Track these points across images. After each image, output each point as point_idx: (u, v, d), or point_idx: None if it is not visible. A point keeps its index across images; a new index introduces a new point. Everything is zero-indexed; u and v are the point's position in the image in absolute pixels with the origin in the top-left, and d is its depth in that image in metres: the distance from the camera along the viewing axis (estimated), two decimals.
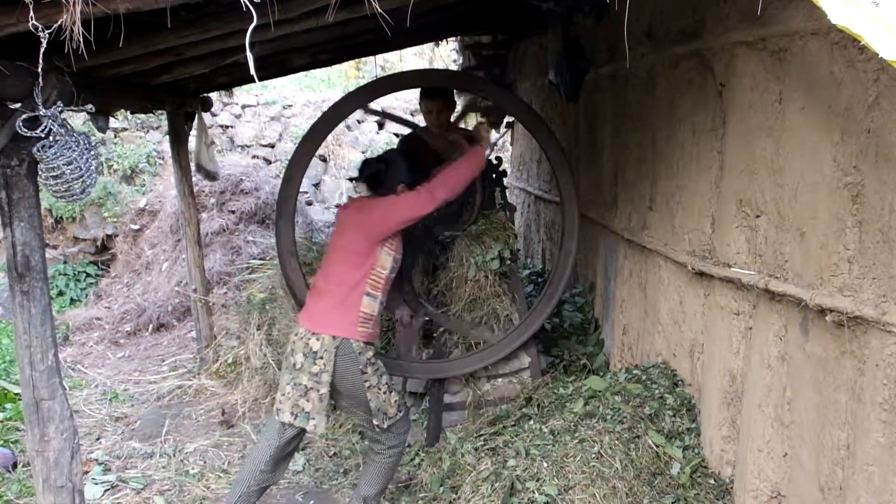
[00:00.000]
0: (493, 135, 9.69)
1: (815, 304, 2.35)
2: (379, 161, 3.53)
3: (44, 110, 2.22)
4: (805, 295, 2.41)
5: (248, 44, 1.69)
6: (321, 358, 3.20)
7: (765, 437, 2.80)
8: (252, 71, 1.69)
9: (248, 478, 3.33)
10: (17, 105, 2.28)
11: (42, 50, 1.76)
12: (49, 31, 1.71)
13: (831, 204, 2.34)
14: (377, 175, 3.48)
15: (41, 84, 2.04)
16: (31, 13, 1.66)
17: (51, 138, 2.25)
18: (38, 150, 2.25)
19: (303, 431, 3.34)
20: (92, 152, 2.36)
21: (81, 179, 2.34)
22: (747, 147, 2.89)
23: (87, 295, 8.35)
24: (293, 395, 3.24)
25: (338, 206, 3.78)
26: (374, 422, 3.30)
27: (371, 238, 3.31)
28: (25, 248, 2.32)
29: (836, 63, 2.27)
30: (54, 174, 2.28)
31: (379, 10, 1.89)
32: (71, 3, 1.65)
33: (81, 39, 1.71)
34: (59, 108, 2.26)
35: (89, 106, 2.36)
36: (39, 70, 1.85)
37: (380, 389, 3.30)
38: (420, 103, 4.78)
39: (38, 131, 2.23)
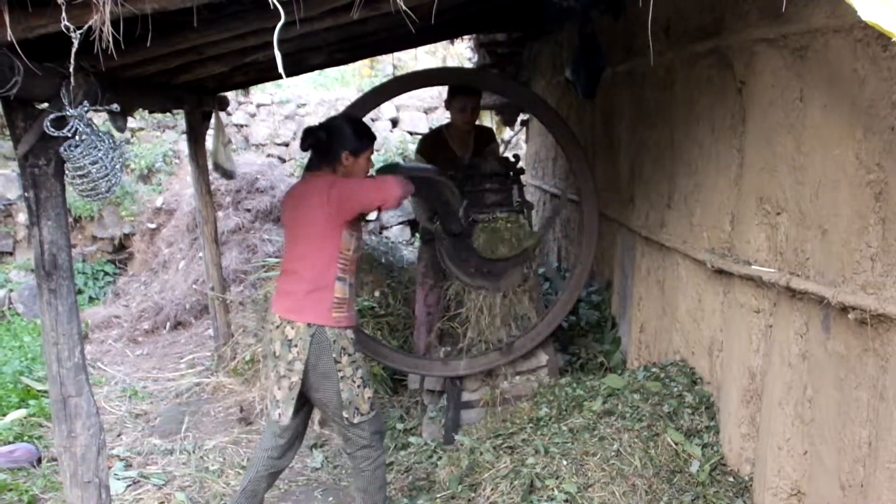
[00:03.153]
0: (508, 132, 9.71)
1: (838, 302, 2.35)
2: (320, 128, 3.30)
3: (71, 110, 2.24)
4: (827, 293, 2.41)
5: (276, 42, 1.70)
6: (296, 346, 3.12)
7: (785, 434, 2.80)
8: (280, 68, 1.71)
9: (258, 463, 3.36)
10: (45, 105, 2.30)
11: (73, 50, 1.78)
12: (80, 31, 1.73)
13: (853, 201, 2.34)
14: (320, 143, 3.26)
15: (74, 84, 2.06)
16: (64, 14, 1.69)
17: (77, 138, 2.27)
18: (65, 150, 2.27)
19: (307, 415, 3.35)
20: (117, 151, 2.39)
21: (107, 178, 2.36)
22: (767, 144, 2.88)
23: (105, 293, 8.42)
24: (278, 381, 3.20)
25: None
26: (344, 414, 3.18)
27: (335, 221, 3.15)
28: (52, 247, 2.35)
29: (860, 60, 2.26)
30: (81, 173, 2.30)
31: (403, 7, 1.90)
32: (101, 4, 1.68)
33: (111, 39, 1.73)
34: (86, 108, 2.29)
35: (115, 105, 2.38)
36: (71, 70, 1.87)
37: (353, 382, 3.18)
38: (452, 101, 4.82)
39: (64, 131, 2.25)
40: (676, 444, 3.37)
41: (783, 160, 2.77)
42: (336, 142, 3.25)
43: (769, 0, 2.73)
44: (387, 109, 10.94)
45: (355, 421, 3.21)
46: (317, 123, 3.39)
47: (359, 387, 3.21)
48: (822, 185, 2.52)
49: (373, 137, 3.41)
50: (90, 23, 1.73)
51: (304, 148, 3.32)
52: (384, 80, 10.20)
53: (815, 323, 2.59)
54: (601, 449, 3.38)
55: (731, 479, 3.22)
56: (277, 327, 3.19)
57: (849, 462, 2.40)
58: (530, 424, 3.81)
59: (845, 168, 2.36)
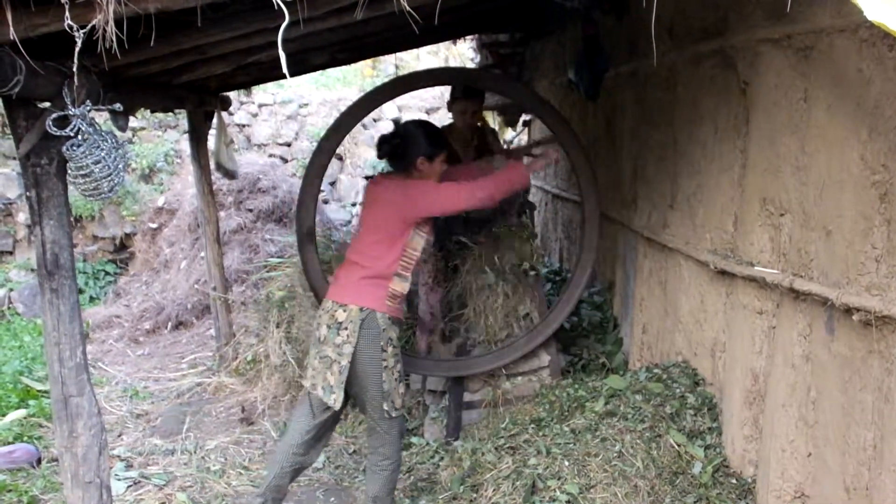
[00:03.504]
0: (510, 133, 9.69)
1: (842, 304, 2.34)
2: (395, 136, 3.41)
3: (73, 109, 2.24)
4: (831, 294, 2.40)
5: (279, 42, 1.69)
6: (345, 329, 3.15)
7: (788, 436, 2.79)
8: (284, 68, 1.70)
9: (282, 459, 3.36)
10: (47, 104, 2.30)
11: (77, 50, 1.78)
12: (84, 30, 1.73)
13: (858, 202, 2.33)
14: (396, 150, 3.38)
15: (76, 83, 2.05)
16: (67, 13, 1.68)
17: (80, 137, 2.27)
18: (68, 149, 2.27)
19: (338, 412, 3.34)
20: (120, 151, 2.39)
21: (109, 178, 2.36)
22: (771, 145, 2.88)
23: (106, 293, 8.42)
24: (320, 368, 3.21)
25: (367, 178, 3.72)
26: (384, 406, 3.22)
27: (405, 220, 3.26)
28: (55, 247, 2.35)
29: (865, 60, 2.25)
30: (83, 173, 2.30)
31: (407, 7, 1.90)
32: (104, 3, 1.67)
33: (114, 39, 1.73)
34: (88, 108, 2.28)
35: (117, 105, 2.38)
36: (74, 69, 1.87)
37: (393, 374, 3.23)
38: (454, 104, 4.83)
39: (67, 130, 2.25)
40: (679, 445, 3.37)
41: (787, 161, 2.76)
42: (411, 148, 3.35)
43: (773, 0, 2.72)
44: (389, 109, 10.94)
45: (393, 414, 3.26)
46: (390, 132, 3.49)
47: (396, 380, 3.26)
48: (826, 185, 2.51)
49: (446, 142, 3.50)
50: (93, 22, 1.73)
51: (380, 156, 3.44)
52: (386, 79, 10.20)
53: (819, 324, 2.58)
54: (603, 450, 3.37)
55: (734, 480, 3.21)
56: (327, 311, 3.23)
57: (853, 465, 2.40)
58: (532, 425, 3.80)
59: (850, 169, 2.35)
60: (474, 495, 3.48)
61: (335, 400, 3.19)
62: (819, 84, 2.54)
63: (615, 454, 3.34)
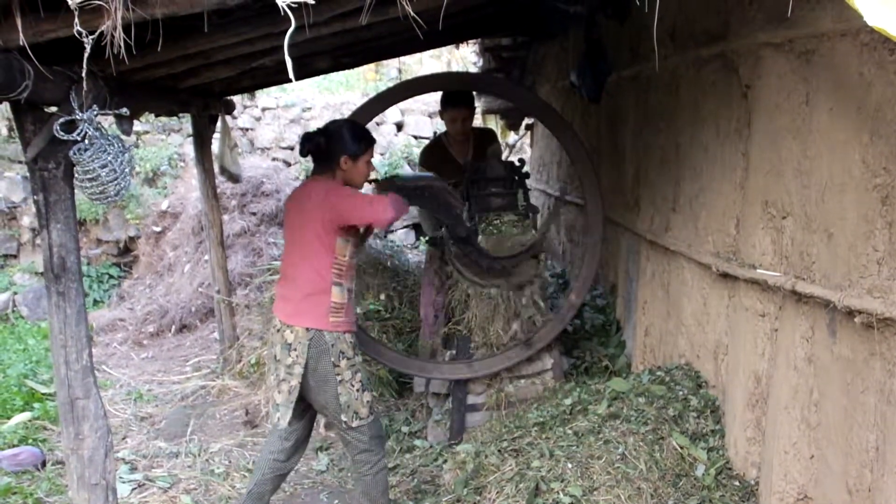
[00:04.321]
0: (512, 136, 9.71)
1: (844, 306, 2.35)
2: (319, 133, 3.30)
3: (80, 114, 2.26)
4: (833, 296, 2.41)
5: (286, 47, 1.71)
6: (295, 350, 3.15)
7: (791, 438, 2.79)
8: (290, 73, 1.72)
9: (263, 466, 3.39)
10: (54, 109, 2.32)
11: (86, 55, 1.80)
12: (93, 36, 1.74)
13: (860, 205, 2.34)
14: (319, 148, 3.27)
15: (85, 88, 2.07)
16: (76, 19, 1.70)
17: (87, 141, 2.29)
18: (75, 154, 2.29)
19: (312, 417, 3.39)
20: (126, 155, 2.41)
21: (116, 182, 2.38)
22: (773, 148, 2.89)
23: (110, 296, 8.45)
24: (278, 384, 3.23)
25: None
26: (343, 417, 3.21)
27: (329, 227, 3.18)
28: (61, 250, 2.36)
29: (866, 64, 2.27)
30: (90, 177, 2.32)
31: (411, 12, 1.92)
32: (113, 9, 1.69)
33: (122, 44, 1.74)
34: (95, 112, 2.30)
35: (124, 109, 2.40)
36: (83, 75, 1.89)
37: (352, 386, 3.21)
38: (444, 113, 4.85)
39: (74, 135, 2.27)
40: (682, 447, 3.37)
41: (789, 164, 2.77)
42: (334, 146, 3.26)
43: (775, 4, 2.74)
44: (391, 114, 10.96)
45: (353, 425, 3.24)
46: (315, 129, 3.40)
47: (357, 391, 3.23)
48: (828, 188, 2.52)
49: (371, 141, 3.39)
50: (102, 28, 1.74)
51: (303, 154, 3.33)
52: (389, 83, 10.21)
53: (822, 327, 2.59)
54: (606, 452, 3.38)
55: (737, 483, 3.22)
56: (278, 331, 3.23)
57: (856, 466, 2.40)
58: (535, 427, 3.81)
59: (852, 172, 2.36)
60: (478, 498, 3.48)
61: (279, 418, 3.23)
62: (821, 88, 2.55)
63: (618, 456, 3.35)
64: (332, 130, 3.31)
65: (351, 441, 3.31)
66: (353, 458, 3.37)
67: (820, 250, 2.58)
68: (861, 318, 2.28)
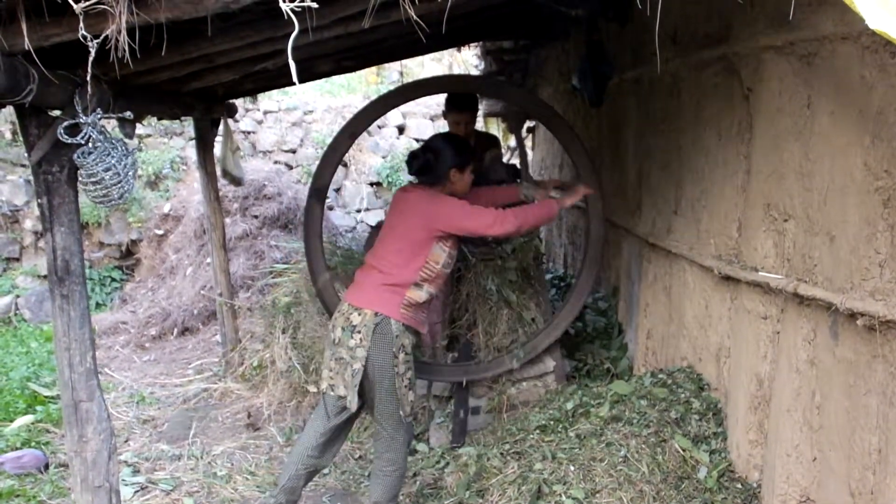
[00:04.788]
0: (513, 140, 9.71)
1: (846, 309, 2.35)
2: (425, 151, 3.48)
3: (84, 118, 2.27)
4: (835, 299, 2.41)
5: (289, 50, 1.72)
6: (359, 332, 3.19)
7: (793, 441, 2.80)
8: (294, 76, 1.73)
9: (297, 461, 3.41)
10: (58, 112, 2.33)
11: (91, 59, 1.80)
12: (97, 40, 1.75)
13: (862, 208, 2.34)
14: (427, 165, 3.45)
15: (90, 92, 2.08)
16: (81, 23, 1.71)
17: (90, 145, 2.30)
18: (79, 157, 2.29)
19: (353, 416, 3.39)
20: (129, 158, 2.41)
21: (119, 185, 2.38)
22: (775, 151, 2.89)
23: (112, 299, 8.46)
24: (338, 370, 3.25)
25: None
26: (396, 411, 3.27)
27: (429, 231, 3.30)
28: (65, 253, 2.37)
29: (867, 67, 2.27)
30: (94, 180, 2.33)
31: (414, 16, 1.92)
32: (117, 13, 1.70)
33: (127, 48, 1.75)
34: (99, 116, 2.31)
35: (128, 113, 2.41)
36: (88, 78, 1.89)
37: (403, 381, 3.26)
38: (448, 115, 4.87)
39: (78, 138, 2.28)
40: (684, 450, 3.38)
41: (791, 167, 2.78)
42: (442, 161, 3.43)
43: (777, 7, 2.75)
44: (393, 117, 10.97)
45: (396, 417, 3.28)
46: (419, 147, 3.57)
47: (406, 387, 3.29)
48: (830, 191, 2.52)
49: (473, 151, 3.59)
50: (107, 32, 1.75)
51: (412, 172, 3.50)
52: (390, 86, 10.21)
53: (824, 329, 2.59)
54: (609, 455, 3.39)
55: (740, 485, 3.22)
56: (343, 314, 3.27)
57: (858, 469, 2.40)
58: (537, 430, 3.81)
59: (853, 175, 2.37)
60: (480, 501, 3.49)
61: (350, 401, 3.24)
62: (822, 91, 2.56)
63: (620, 459, 3.35)
64: (437, 146, 3.48)
65: (386, 437, 3.33)
66: (381, 455, 3.38)
67: (822, 253, 2.58)
68: (863, 320, 2.28)
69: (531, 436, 3.77)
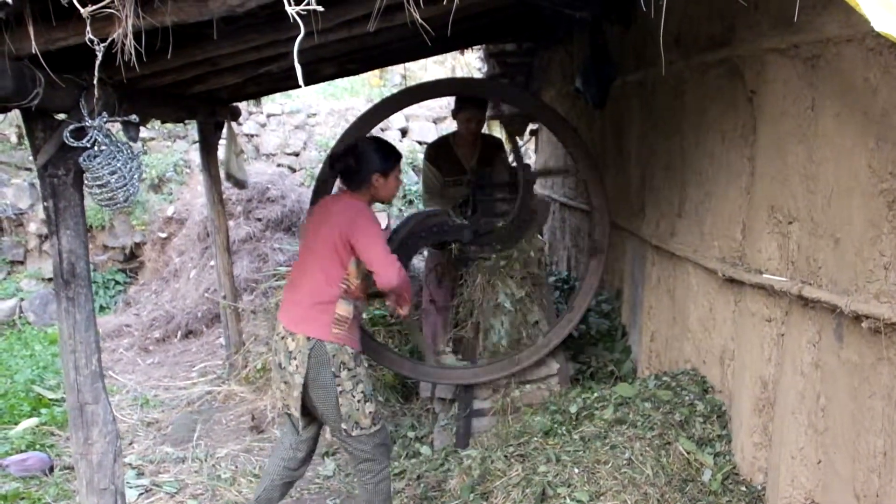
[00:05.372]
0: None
1: (851, 311, 2.35)
2: (348, 153, 3.34)
3: (90, 121, 2.28)
4: (840, 301, 2.41)
5: (295, 53, 1.72)
6: (295, 359, 3.15)
7: (798, 443, 2.79)
8: (300, 79, 1.73)
9: (273, 472, 3.41)
10: (63, 116, 2.34)
11: (97, 63, 1.81)
12: (104, 43, 1.76)
13: (867, 210, 2.34)
14: (349, 168, 3.32)
15: (96, 95, 2.09)
16: (88, 27, 1.72)
17: (96, 148, 2.31)
18: (85, 160, 2.30)
19: (320, 427, 3.40)
20: (135, 162, 2.42)
21: (125, 188, 2.39)
22: (779, 154, 2.89)
23: (116, 302, 8.48)
24: (286, 390, 3.23)
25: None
26: (343, 426, 3.20)
27: (346, 245, 3.19)
28: (71, 256, 2.38)
29: (872, 69, 2.27)
30: (100, 183, 2.33)
31: (419, 19, 1.93)
32: (124, 17, 1.71)
33: (133, 52, 1.76)
34: (104, 119, 2.32)
35: (133, 116, 2.42)
36: (95, 82, 1.90)
37: (353, 396, 3.19)
38: (458, 113, 4.92)
39: (84, 141, 2.29)
40: (688, 452, 3.37)
41: (795, 169, 2.77)
42: (365, 165, 3.30)
43: (781, 9, 2.75)
44: (396, 119, 10.99)
45: (353, 434, 3.23)
46: (341, 149, 3.44)
47: (359, 401, 3.21)
48: (834, 193, 2.52)
49: (399, 156, 3.45)
50: (113, 36, 1.76)
51: (333, 175, 3.41)
52: (393, 89, 10.21)
53: (828, 332, 2.59)
54: (613, 457, 3.38)
55: (744, 488, 3.21)
56: (282, 338, 3.23)
57: (864, 472, 2.40)
58: (541, 433, 3.81)
59: (858, 177, 2.37)
60: (484, 503, 3.49)
61: (300, 428, 3.30)
62: (826, 93, 2.56)
63: (625, 461, 3.35)
64: (361, 150, 3.35)
65: (353, 451, 3.31)
66: (356, 467, 3.37)
67: (826, 255, 2.58)
68: (868, 322, 2.28)
69: (535, 438, 3.77)
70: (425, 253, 5.36)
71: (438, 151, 5.15)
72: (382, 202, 3.50)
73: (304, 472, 3.52)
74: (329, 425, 3.29)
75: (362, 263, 3.23)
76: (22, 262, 8.61)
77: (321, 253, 3.24)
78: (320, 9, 1.65)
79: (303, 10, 1.66)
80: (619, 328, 5.18)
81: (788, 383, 2.86)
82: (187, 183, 9.34)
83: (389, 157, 3.38)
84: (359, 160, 3.30)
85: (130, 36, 1.74)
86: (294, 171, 10.52)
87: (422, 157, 5.83)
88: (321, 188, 4.09)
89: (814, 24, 2.56)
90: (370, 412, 3.25)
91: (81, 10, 1.67)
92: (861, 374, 2.40)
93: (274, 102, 10.77)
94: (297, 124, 10.85)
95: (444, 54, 10.58)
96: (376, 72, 12.47)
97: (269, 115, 10.76)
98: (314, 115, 10.96)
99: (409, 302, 3.45)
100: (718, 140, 3.45)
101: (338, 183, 3.65)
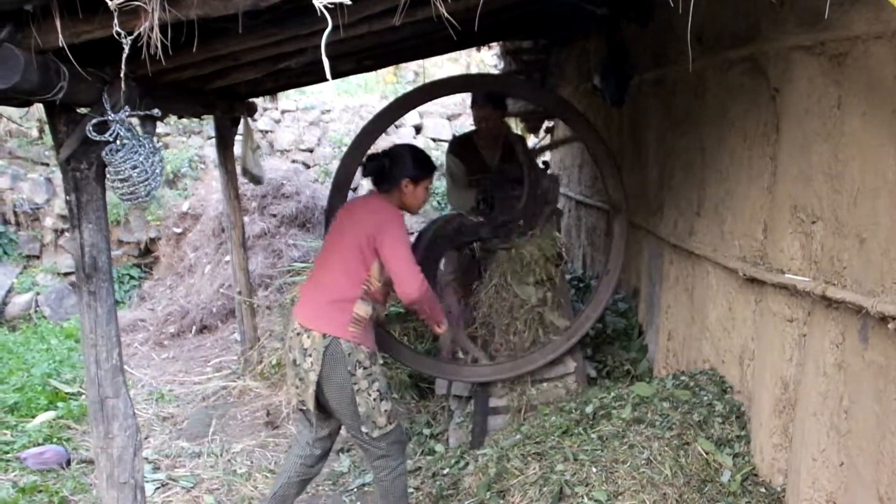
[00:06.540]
0: (532, 139, 9.69)
1: (877, 312, 2.32)
2: (383, 155, 3.42)
3: (112, 115, 2.27)
4: (866, 302, 2.38)
5: (322, 47, 1.71)
6: (310, 356, 3.14)
7: (820, 445, 2.77)
8: (327, 73, 1.72)
9: (289, 469, 3.41)
10: (86, 110, 2.34)
11: (124, 56, 1.81)
12: (131, 37, 1.76)
13: (894, 210, 2.31)
14: (381, 170, 3.38)
15: (123, 89, 2.09)
16: (116, 20, 1.71)
17: (118, 142, 2.31)
18: (107, 154, 2.30)
19: (336, 428, 3.39)
20: (156, 156, 2.42)
21: (146, 182, 2.39)
22: (802, 152, 2.86)
23: (130, 297, 8.51)
24: (301, 387, 3.23)
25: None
26: (363, 429, 3.20)
27: (371, 246, 3.20)
28: (93, 250, 2.38)
29: None
30: (121, 177, 2.33)
31: (445, 13, 1.92)
32: (150, 10, 1.70)
33: (159, 45, 1.76)
34: (127, 113, 2.32)
35: (156, 110, 2.42)
36: (122, 76, 1.90)
37: (370, 395, 3.18)
38: (476, 112, 4.89)
39: (106, 135, 2.29)
40: (707, 453, 3.35)
41: (819, 168, 2.74)
42: (397, 169, 3.35)
43: (807, 6, 2.72)
44: (410, 116, 10.97)
45: (374, 435, 3.23)
46: (378, 151, 3.49)
47: (375, 400, 3.21)
48: (860, 193, 2.49)
49: (433, 168, 3.48)
50: (140, 29, 1.76)
51: (365, 174, 3.42)
52: (407, 86, 10.19)
53: (852, 332, 2.56)
54: (631, 457, 3.36)
55: (763, 489, 3.19)
56: (298, 335, 3.22)
57: (887, 475, 2.37)
58: (558, 431, 3.79)
59: (886, 176, 2.34)
60: (501, 502, 3.47)
61: (315, 427, 3.31)
62: (853, 91, 2.53)
63: (643, 461, 3.32)
64: (396, 153, 3.42)
65: (368, 449, 3.30)
66: (371, 463, 3.37)
67: (851, 255, 2.55)
68: (894, 324, 2.25)
69: (552, 437, 3.75)
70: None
71: (463, 146, 5.07)
72: (408, 211, 3.49)
73: (321, 469, 3.52)
74: (345, 424, 3.28)
75: (384, 268, 3.23)
76: (38, 257, 8.65)
77: (346, 251, 3.24)
78: (348, 2, 1.64)
79: (330, 3, 1.65)
80: (636, 327, 5.16)
81: (810, 384, 2.83)
82: (202, 179, 9.36)
83: (424, 166, 3.44)
84: (393, 162, 3.37)
85: (157, 29, 1.74)
86: (308, 167, 10.52)
87: (436, 155, 5.81)
88: (343, 184, 4.09)
89: (842, 21, 2.52)
90: (385, 410, 3.25)
91: (109, 3, 1.66)
92: (887, 375, 2.37)
93: (288, 99, 10.78)
94: (311, 120, 10.85)
95: (458, 51, 10.57)
96: (391, 68, 12.47)
97: (283, 112, 10.77)
98: (328, 111, 10.96)
99: (442, 319, 3.48)
100: (740, 138, 3.42)
101: (364, 182, 3.68)
